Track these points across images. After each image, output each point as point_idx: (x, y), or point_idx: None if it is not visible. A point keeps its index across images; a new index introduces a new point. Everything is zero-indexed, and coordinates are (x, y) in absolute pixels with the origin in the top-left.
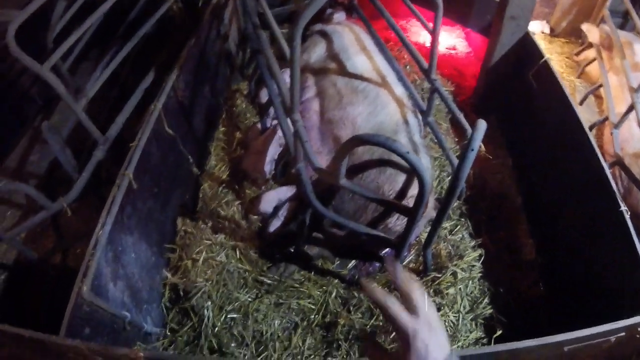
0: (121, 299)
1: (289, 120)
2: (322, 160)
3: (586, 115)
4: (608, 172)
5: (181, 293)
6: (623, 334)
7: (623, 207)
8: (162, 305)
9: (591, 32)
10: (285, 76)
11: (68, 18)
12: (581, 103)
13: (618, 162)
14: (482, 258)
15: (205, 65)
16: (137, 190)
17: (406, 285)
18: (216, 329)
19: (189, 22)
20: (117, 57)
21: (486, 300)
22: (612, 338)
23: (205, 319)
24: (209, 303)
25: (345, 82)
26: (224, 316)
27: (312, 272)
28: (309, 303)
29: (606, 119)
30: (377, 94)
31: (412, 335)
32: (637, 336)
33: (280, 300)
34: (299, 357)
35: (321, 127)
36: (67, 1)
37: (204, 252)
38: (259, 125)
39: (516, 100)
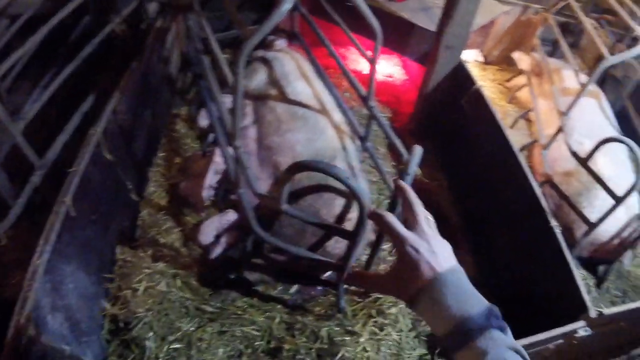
0: (60, 331)
1: (229, 147)
2: (262, 186)
3: (517, 137)
4: (538, 190)
5: (121, 324)
6: (561, 341)
7: (553, 223)
8: (102, 337)
9: (522, 59)
10: (227, 101)
11: (8, 37)
12: (512, 126)
13: (548, 181)
14: None
15: (147, 89)
16: (75, 217)
17: (413, 205)
18: None
19: (132, 45)
20: (57, 78)
21: None
22: (551, 345)
23: (147, 351)
24: (151, 334)
25: (285, 109)
26: (166, 347)
27: (255, 298)
28: (253, 329)
29: (536, 141)
30: (316, 120)
31: (401, 242)
32: (575, 342)
33: (224, 328)
34: None
35: (259, 153)
36: (7, 19)
37: (144, 281)
38: (198, 151)
39: (451, 125)
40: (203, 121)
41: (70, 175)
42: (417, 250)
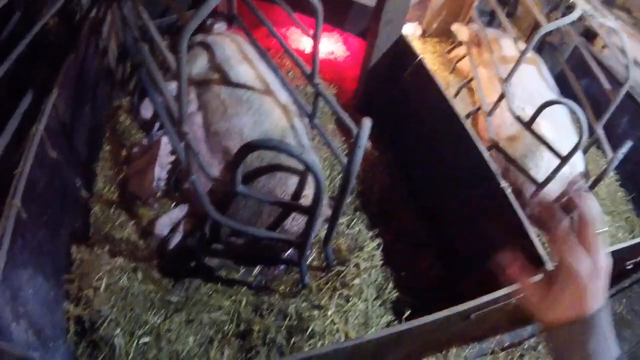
0: (26, 339)
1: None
2: (214, 173)
3: (461, 107)
4: (486, 154)
5: (87, 325)
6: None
7: (503, 184)
8: (68, 340)
9: (460, 31)
10: (171, 88)
11: None
12: (455, 96)
13: (494, 146)
14: (381, 247)
15: (85, 83)
16: (26, 221)
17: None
18: (129, 356)
19: (66, 38)
20: None
21: (390, 285)
22: (513, 299)
23: (117, 349)
24: (118, 330)
25: (229, 93)
26: (135, 342)
27: (219, 284)
28: (221, 315)
29: (479, 108)
30: (261, 102)
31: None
32: None
33: (191, 317)
34: None
35: (207, 140)
36: None
37: (104, 279)
38: (144, 142)
39: (395, 98)
40: (146, 112)
41: (17, 176)
42: (590, 276)
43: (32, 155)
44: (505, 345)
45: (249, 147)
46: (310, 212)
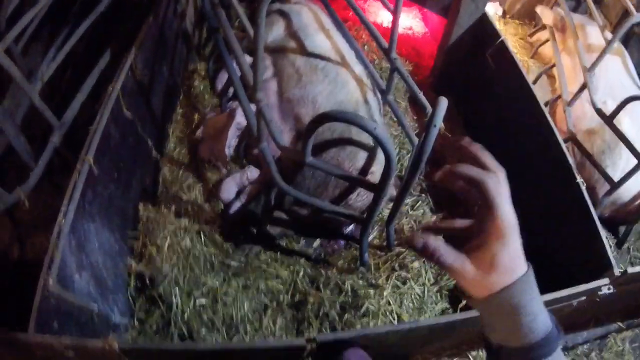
0: (87, 289)
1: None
2: (285, 139)
3: (539, 93)
4: (564, 146)
5: (147, 281)
6: (584, 297)
7: (579, 179)
8: (128, 294)
9: (545, 14)
10: (246, 56)
11: None
12: (535, 82)
13: (571, 139)
14: None
15: (163, 45)
16: (97, 176)
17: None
18: (185, 315)
19: (145, 0)
20: (71, 37)
21: None
22: (574, 302)
23: (174, 307)
24: (177, 289)
25: (305, 61)
26: (192, 302)
27: (279, 253)
28: (278, 283)
29: (559, 97)
30: (337, 72)
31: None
32: (597, 300)
33: (248, 283)
34: (270, 337)
35: (280, 106)
36: None
37: (168, 238)
38: (217, 108)
39: (473, 79)
40: (221, 77)
41: (91, 133)
42: (506, 243)
43: (108, 113)
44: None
45: (324, 118)
46: (378, 189)
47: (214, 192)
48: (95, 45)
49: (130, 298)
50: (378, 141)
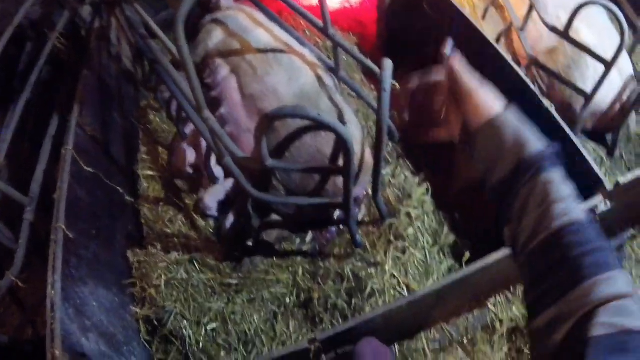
0: (98, 350)
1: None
2: (252, 139)
3: (492, 27)
4: (522, 73)
5: (155, 323)
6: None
7: (547, 104)
8: (142, 340)
9: None
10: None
11: None
12: (484, 17)
13: (533, 62)
14: (430, 191)
15: (107, 92)
16: (75, 240)
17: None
18: (200, 344)
19: (77, 54)
20: (14, 114)
21: (446, 229)
22: None
23: (187, 339)
24: (185, 322)
25: (254, 56)
26: (204, 330)
27: (275, 257)
28: (281, 288)
29: (511, 24)
30: (289, 59)
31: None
32: (597, 218)
33: (252, 295)
34: (288, 342)
35: (244, 103)
36: None
37: (163, 276)
38: (180, 134)
39: (419, 33)
40: (174, 108)
41: (57, 199)
42: (475, 87)
43: (67, 176)
44: None
45: (266, 121)
46: (344, 171)
47: (196, 210)
48: (44, 114)
49: (145, 343)
50: (325, 126)
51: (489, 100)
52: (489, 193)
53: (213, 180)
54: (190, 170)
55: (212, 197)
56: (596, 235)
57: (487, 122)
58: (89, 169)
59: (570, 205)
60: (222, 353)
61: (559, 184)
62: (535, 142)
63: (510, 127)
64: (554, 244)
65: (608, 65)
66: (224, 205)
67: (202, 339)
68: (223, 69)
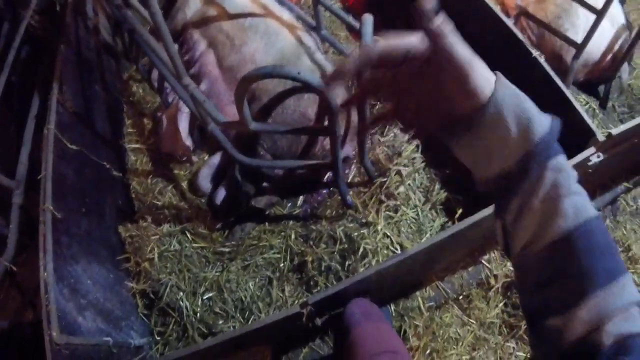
0: (95, 327)
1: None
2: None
3: None
4: (510, 24)
5: (152, 296)
6: (576, 172)
7: (535, 53)
8: (139, 315)
9: None
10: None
11: None
12: None
13: (522, 12)
14: (420, 148)
15: (87, 66)
16: (64, 219)
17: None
18: (198, 314)
19: (53, 30)
20: None
21: (437, 186)
22: None
23: (185, 310)
24: (181, 294)
25: (231, 25)
26: (200, 300)
27: (267, 223)
28: (274, 253)
29: None
30: (266, 24)
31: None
32: (589, 171)
33: (246, 262)
34: (284, 307)
35: (223, 76)
36: None
37: (156, 248)
38: (164, 104)
39: None
40: (155, 74)
41: (42, 180)
42: (471, 62)
43: (51, 155)
44: None
45: (244, 82)
46: (329, 130)
47: (191, 189)
48: (26, 95)
49: (143, 317)
50: (306, 84)
51: (484, 79)
52: (484, 186)
53: (187, 151)
54: (190, 144)
55: (205, 178)
56: (605, 238)
57: (483, 106)
58: (73, 147)
59: (579, 202)
60: (220, 321)
61: (568, 174)
62: (539, 120)
63: (510, 108)
64: (563, 249)
65: (599, 14)
66: (215, 180)
67: (199, 308)
68: (200, 44)
